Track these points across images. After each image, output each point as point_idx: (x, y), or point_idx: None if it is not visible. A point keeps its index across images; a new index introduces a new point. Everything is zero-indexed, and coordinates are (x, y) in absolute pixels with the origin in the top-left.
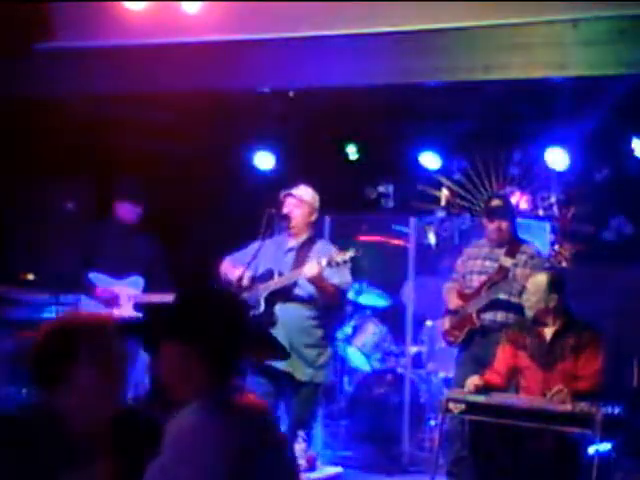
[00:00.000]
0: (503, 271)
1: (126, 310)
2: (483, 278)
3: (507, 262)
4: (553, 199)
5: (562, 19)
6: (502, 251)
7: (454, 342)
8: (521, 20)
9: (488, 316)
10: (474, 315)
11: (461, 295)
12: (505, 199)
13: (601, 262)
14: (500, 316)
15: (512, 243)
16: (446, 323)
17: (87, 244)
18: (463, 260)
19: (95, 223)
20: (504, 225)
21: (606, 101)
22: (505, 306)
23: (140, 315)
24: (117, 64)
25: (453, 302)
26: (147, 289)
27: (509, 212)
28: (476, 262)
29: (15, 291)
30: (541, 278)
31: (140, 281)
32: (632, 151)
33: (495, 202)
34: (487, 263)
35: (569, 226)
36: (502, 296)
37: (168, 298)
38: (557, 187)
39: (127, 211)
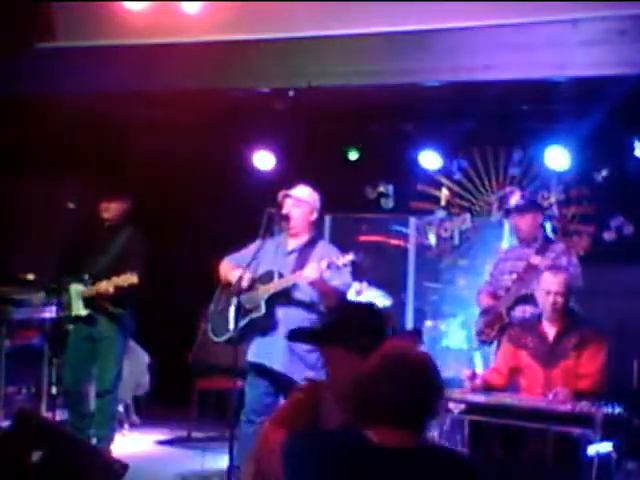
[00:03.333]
0: (531, 268)
1: (77, 309)
2: (514, 277)
3: (536, 260)
4: (553, 199)
5: (562, 19)
6: (532, 250)
7: (487, 340)
8: (521, 20)
9: (517, 312)
10: (504, 312)
11: (493, 296)
12: (526, 198)
13: (601, 262)
14: (529, 311)
15: (541, 242)
16: (480, 323)
17: (67, 245)
18: (495, 264)
19: (80, 224)
20: (520, 222)
21: (606, 101)
22: (534, 301)
23: (85, 313)
24: (117, 64)
25: (485, 302)
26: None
27: (526, 210)
28: (507, 263)
29: (15, 291)
30: (553, 277)
31: (86, 278)
32: (632, 151)
33: (513, 200)
34: (518, 263)
35: (569, 226)
36: (528, 291)
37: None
38: (557, 187)
39: (112, 210)
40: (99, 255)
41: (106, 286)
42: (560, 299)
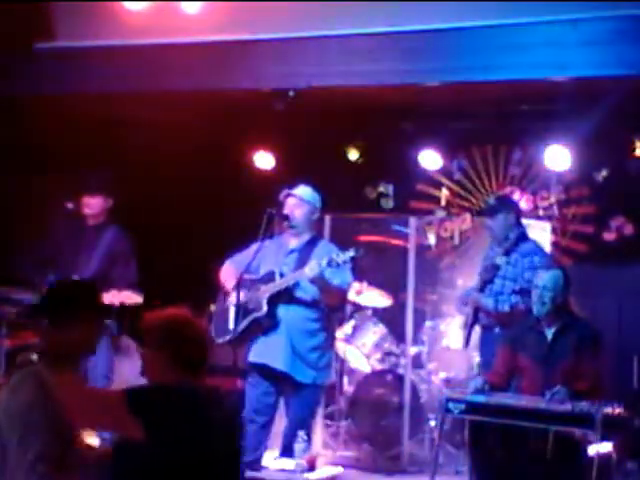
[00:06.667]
0: (493, 268)
1: None
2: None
3: (500, 260)
4: (553, 199)
5: (562, 19)
6: (501, 250)
7: (465, 340)
8: (521, 20)
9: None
10: (470, 312)
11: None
12: (498, 198)
13: (601, 262)
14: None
15: (512, 242)
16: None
17: (47, 245)
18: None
19: (59, 221)
20: (491, 223)
21: (606, 101)
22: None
23: None
24: (117, 64)
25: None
26: (108, 284)
27: (496, 211)
28: (483, 263)
29: (14, 291)
30: (559, 274)
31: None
32: (632, 151)
33: (489, 201)
34: (486, 262)
35: (569, 226)
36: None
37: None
38: (557, 187)
39: (93, 205)
40: (88, 258)
41: (112, 299)
42: (546, 293)
